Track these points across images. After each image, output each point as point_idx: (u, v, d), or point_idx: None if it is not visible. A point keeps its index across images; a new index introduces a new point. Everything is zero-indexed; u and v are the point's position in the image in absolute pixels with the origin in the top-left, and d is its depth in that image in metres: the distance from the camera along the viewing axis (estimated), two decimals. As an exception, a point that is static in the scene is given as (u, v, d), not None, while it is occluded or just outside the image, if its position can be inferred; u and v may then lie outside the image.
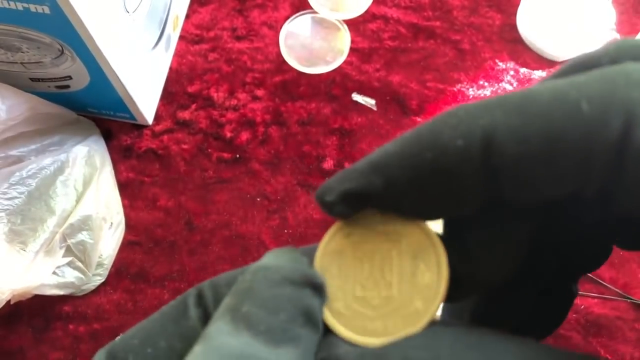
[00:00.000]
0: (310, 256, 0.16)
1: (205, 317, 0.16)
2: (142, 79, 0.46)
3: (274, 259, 0.16)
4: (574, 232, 0.17)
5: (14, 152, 0.41)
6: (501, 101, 0.14)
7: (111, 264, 0.45)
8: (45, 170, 0.41)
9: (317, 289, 0.15)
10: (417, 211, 0.15)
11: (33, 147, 0.42)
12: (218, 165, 0.49)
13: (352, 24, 0.53)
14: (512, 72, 0.52)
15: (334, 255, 0.16)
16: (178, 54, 0.52)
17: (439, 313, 0.16)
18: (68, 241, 0.41)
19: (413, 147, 0.14)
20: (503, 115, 0.13)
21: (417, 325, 0.14)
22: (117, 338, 0.16)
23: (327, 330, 0.15)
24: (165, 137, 0.49)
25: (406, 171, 0.14)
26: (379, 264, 0.15)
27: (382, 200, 0.15)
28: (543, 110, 0.13)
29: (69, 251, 0.41)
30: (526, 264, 0.17)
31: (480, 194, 0.14)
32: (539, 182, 0.13)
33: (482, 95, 0.51)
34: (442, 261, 0.15)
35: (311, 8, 0.53)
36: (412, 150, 0.14)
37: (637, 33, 0.52)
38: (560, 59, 0.52)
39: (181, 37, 0.53)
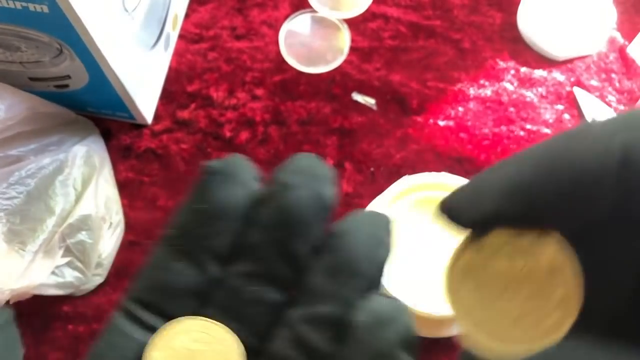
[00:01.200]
0: None
1: None
2: (141, 78, 0.46)
3: None
4: None
5: (12, 152, 0.41)
6: (632, 118, 0.15)
7: (110, 264, 0.45)
8: (44, 170, 0.41)
9: None
10: (550, 226, 0.16)
11: (32, 146, 0.42)
12: (218, 165, 0.48)
13: (352, 23, 0.53)
14: (512, 72, 0.52)
15: (467, 271, 0.16)
16: (177, 53, 0.52)
17: None
18: (67, 241, 0.41)
19: (552, 168, 0.15)
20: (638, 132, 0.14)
21: (555, 336, 0.15)
22: None
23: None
24: (164, 136, 0.49)
25: (549, 193, 0.15)
26: (516, 277, 0.16)
27: (520, 220, 0.16)
28: None
29: (68, 251, 0.41)
30: None
31: (614, 208, 0.15)
32: None
33: (483, 94, 0.51)
34: (578, 274, 0.15)
35: (311, 7, 0.53)
36: (552, 171, 0.15)
37: (638, 32, 0.52)
38: (561, 58, 0.52)
39: (180, 36, 0.52)
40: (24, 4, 0.34)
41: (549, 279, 0.15)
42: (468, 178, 0.47)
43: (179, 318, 0.19)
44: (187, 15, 0.53)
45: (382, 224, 0.20)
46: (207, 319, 0.19)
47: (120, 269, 0.46)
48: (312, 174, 0.20)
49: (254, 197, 0.20)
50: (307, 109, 0.50)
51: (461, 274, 0.16)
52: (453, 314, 0.16)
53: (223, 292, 0.20)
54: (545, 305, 0.15)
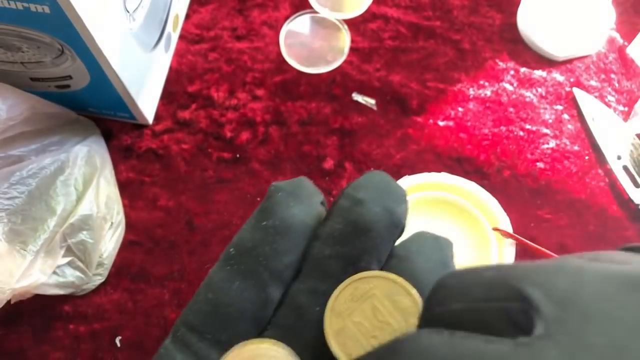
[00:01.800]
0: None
1: None
2: (142, 78, 0.46)
3: None
4: None
5: (14, 152, 0.41)
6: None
7: (111, 263, 0.45)
8: (46, 170, 0.41)
9: None
10: None
11: (33, 146, 0.42)
12: (218, 165, 0.49)
13: (352, 23, 0.53)
14: (512, 72, 0.52)
15: (340, 334, 0.19)
16: (178, 54, 0.52)
17: None
18: (68, 241, 0.41)
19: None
20: None
21: None
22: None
23: None
24: (165, 136, 0.49)
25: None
26: (372, 316, 0.19)
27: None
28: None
29: (69, 251, 0.41)
30: None
31: None
32: None
33: (482, 95, 0.51)
34: (407, 286, 0.19)
35: (311, 8, 0.53)
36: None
37: (637, 33, 0.52)
38: (560, 59, 0.52)
39: (181, 37, 0.53)
40: (25, 4, 0.34)
41: (392, 301, 0.19)
42: (468, 178, 0.48)
43: (245, 342, 0.18)
44: (187, 16, 0.53)
45: (447, 248, 0.20)
46: (272, 340, 0.19)
47: (121, 268, 0.46)
48: (385, 190, 0.20)
49: (319, 218, 0.20)
50: (307, 110, 0.50)
51: (340, 339, 0.19)
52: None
53: (286, 310, 0.19)
54: (401, 319, 0.19)
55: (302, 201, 0.20)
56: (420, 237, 0.20)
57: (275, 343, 0.19)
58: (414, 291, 0.19)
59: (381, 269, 0.20)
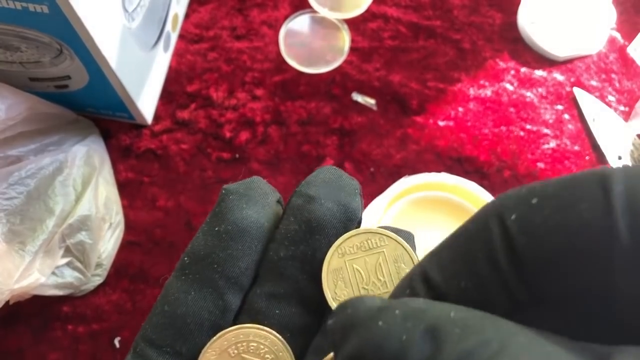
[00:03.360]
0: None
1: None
2: (141, 78, 0.46)
3: None
4: None
5: (12, 152, 0.41)
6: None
7: (110, 264, 0.45)
8: (44, 170, 0.41)
9: None
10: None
11: (32, 147, 0.42)
12: (217, 165, 0.48)
13: (352, 23, 0.53)
14: (512, 72, 0.52)
15: (336, 272, 0.19)
16: (177, 54, 0.52)
17: None
18: (67, 241, 0.41)
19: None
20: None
21: None
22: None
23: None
24: (164, 137, 0.49)
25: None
26: (372, 270, 0.20)
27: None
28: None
29: (68, 251, 0.41)
30: None
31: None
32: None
33: (483, 94, 0.51)
34: (415, 259, 0.20)
35: (311, 7, 0.53)
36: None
37: (637, 32, 0.52)
38: (561, 59, 0.52)
39: (180, 37, 0.52)
40: (24, 4, 0.34)
41: (395, 266, 0.20)
42: (468, 178, 0.47)
43: (228, 329, 0.19)
44: (187, 16, 0.53)
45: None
46: (262, 327, 0.19)
47: (120, 269, 0.46)
48: (337, 185, 0.19)
49: (276, 217, 0.19)
50: (307, 109, 0.50)
51: (333, 276, 0.19)
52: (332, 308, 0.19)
53: (245, 316, 0.19)
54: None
55: (255, 202, 0.19)
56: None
57: (256, 326, 0.19)
58: (416, 260, 0.19)
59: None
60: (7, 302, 0.39)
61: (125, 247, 0.46)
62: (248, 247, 0.18)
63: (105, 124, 0.49)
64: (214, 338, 0.19)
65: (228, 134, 0.49)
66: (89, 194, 0.43)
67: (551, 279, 0.12)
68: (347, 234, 0.19)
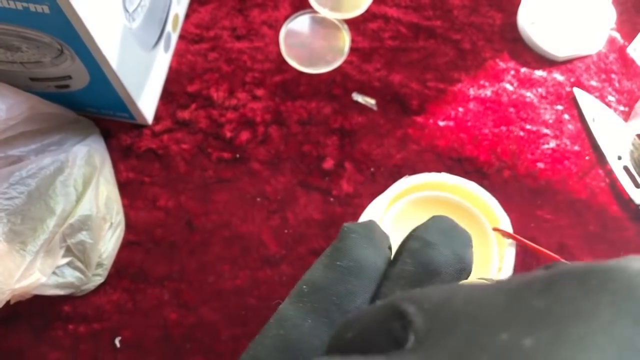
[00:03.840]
0: None
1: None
2: (142, 78, 0.46)
3: None
4: None
5: (13, 152, 0.41)
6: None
7: (111, 264, 0.45)
8: (45, 170, 0.41)
9: None
10: None
11: (33, 146, 0.42)
12: (218, 165, 0.48)
13: (352, 23, 0.53)
14: (512, 72, 0.52)
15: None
16: (178, 54, 0.52)
17: None
18: (68, 241, 0.41)
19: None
20: None
21: None
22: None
23: None
24: (165, 136, 0.49)
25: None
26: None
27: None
28: None
29: (68, 251, 0.41)
30: None
31: None
32: None
33: (483, 95, 0.51)
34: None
35: (311, 7, 0.53)
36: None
37: (637, 33, 0.52)
38: (561, 59, 0.52)
39: (181, 37, 0.52)
40: (24, 4, 0.34)
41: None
42: (468, 178, 0.48)
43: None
44: (187, 16, 0.53)
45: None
46: None
47: (121, 269, 0.46)
48: (452, 234, 0.20)
49: (388, 261, 0.20)
50: (307, 109, 0.50)
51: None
52: None
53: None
54: None
55: (374, 244, 0.20)
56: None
57: None
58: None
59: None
60: (8, 302, 0.39)
61: (126, 246, 0.46)
62: (365, 284, 0.19)
63: (106, 124, 0.49)
64: None
65: (228, 134, 0.49)
66: (89, 194, 0.43)
67: None
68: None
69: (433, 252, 0.19)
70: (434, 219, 0.21)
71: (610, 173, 0.48)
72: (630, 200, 0.47)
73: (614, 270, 0.13)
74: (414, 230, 0.20)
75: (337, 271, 0.19)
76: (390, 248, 0.21)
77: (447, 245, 0.20)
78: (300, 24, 0.53)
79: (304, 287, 0.20)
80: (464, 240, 0.20)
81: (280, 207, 0.47)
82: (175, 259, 0.46)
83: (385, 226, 0.40)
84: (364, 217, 0.40)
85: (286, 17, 0.53)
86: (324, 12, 0.53)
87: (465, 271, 0.20)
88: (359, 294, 0.19)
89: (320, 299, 0.19)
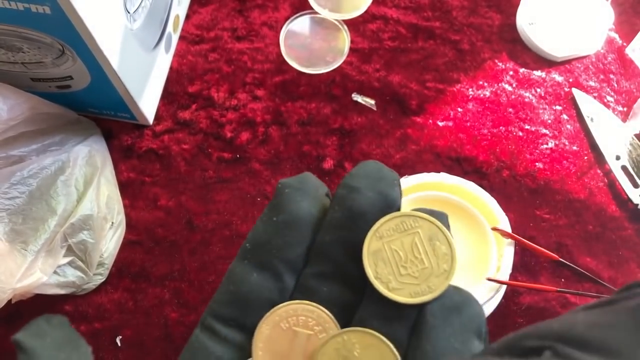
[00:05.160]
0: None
1: None
2: (143, 79, 0.46)
3: None
4: None
5: (15, 152, 0.41)
6: None
7: (112, 263, 0.45)
8: (46, 170, 0.41)
9: None
10: None
11: (34, 147, 0.42)
12: (218, 165, 0.49)
13: (352, 24, 0.53)
14: (511, 72, 0.52)
15: (376, 254, 0.21)
16: (178, 54, 0.52)
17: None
18: (69, 241, 0.41)
19: None
20: None
21: (449, 280, 0.21)
22: None
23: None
24: (165, 137, 0.50)
25: None
26: (409, 250, 0.21)
27: None
28: None
29: (70, 251, 0.41)
30: None
31: None
32: None
33: (482, 95, 0.51)
34: (449, 236, 0.21)
35: (311, 8, 0.53)
36: None
37: (636, 33, 0.52)
38: (559, 59, 0.52)
39: (181, 37, 0.53)
40: (26, 5, 0.34)
41: (431, 244, 0.21)
42: (467, 178, 0.48)
43: (284, 303, 0.21)
44: (188, 17, 0.53)
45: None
46: (309, 302, 0.21)
47: (122, 268, 0.46)
48: (378, 176, 0.21)
49: (325, 208, 0.22)
50: (307, 110, 0.50)
51: (373, 257, 0.21)
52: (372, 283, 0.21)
53: (298, 294, 0.21)
54: (434, 261, 0.21)
55: (308, 195, 0.21)
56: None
57: (304, 302, 0.21)
58: (453, 241, 0.21)
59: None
60: (10, 301, 0.39)
61: (127, 246, 0.46)
62: (302, 234, 0.21)
63: (107, 124, 0.49)
64: (267, 314, 0.21)
65: (229, 134, 0.50)
66: (90, 194, 0.43)
67: None
68: (383, 218, 0.21)
69: (357, 196, 0.21)
70: (360, 165, 0.22)
71: (608, 173, 0.49)
72: (629, 200, 0.48)
73: None
74: (342, 179, 0.22)
75: (274, 226, 0.21)
76: (328, 195, 0.22)
77: (371, 188, 0.21)
78: (300, 24, 0.54)
79: (247, 244, 0.22)
80: (388, 181, 0.21)
81: (280, 207, 0.47)
82: (176, 258, 0.46)
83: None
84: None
85: (286, 18, 0.53)
86: (323, 13, 0.53)
87: (393, 208, 0.21)
88: (297, 244, 0.21)
89: (262, 254, 0.21)
